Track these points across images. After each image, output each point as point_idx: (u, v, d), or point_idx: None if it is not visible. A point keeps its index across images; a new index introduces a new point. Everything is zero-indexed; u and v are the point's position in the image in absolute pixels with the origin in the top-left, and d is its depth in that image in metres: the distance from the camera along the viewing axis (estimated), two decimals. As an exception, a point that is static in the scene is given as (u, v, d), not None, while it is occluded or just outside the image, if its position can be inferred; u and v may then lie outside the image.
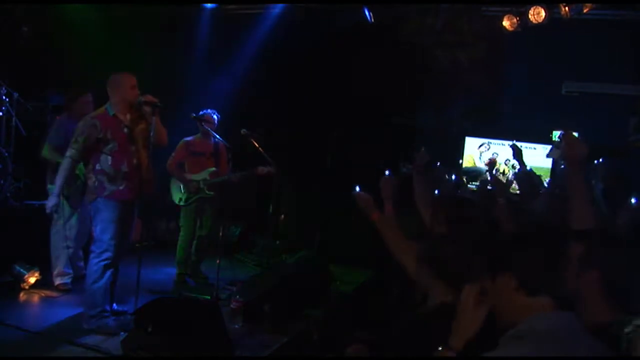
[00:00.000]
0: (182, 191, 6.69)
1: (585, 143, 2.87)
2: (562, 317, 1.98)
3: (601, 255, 2.29)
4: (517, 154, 5.62)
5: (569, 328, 1.95)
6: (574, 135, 2.90)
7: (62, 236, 5.90)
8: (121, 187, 4.99)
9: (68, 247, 5.87)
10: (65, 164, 4.96)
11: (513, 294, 2.02)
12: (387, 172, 3.72)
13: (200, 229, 6.83)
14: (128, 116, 5.09)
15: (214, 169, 6.73)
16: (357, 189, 3.54)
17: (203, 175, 6.68)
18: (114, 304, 5.16)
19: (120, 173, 4.98)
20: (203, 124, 6.57)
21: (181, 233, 6.82)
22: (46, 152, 5.92)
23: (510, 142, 6.25)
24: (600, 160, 6.28)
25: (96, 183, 4.97)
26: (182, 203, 6.71)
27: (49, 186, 5.90)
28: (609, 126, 8.22)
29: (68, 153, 4.95)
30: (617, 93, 8.36)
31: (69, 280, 5.99)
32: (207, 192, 6.68)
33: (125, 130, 5.05)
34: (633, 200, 3.39)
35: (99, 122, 4.95)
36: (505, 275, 2.04)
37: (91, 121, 4.96)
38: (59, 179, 4.98)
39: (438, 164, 6.64)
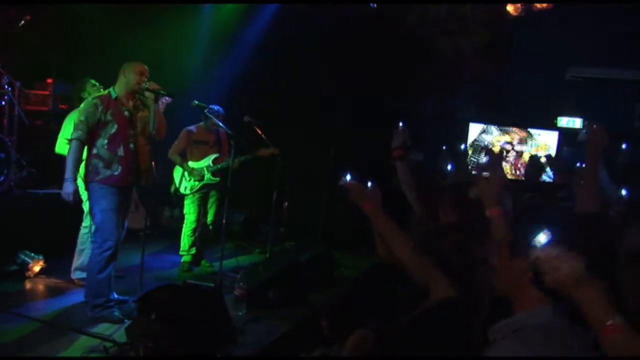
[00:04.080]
0: (188, 179, 6.70)
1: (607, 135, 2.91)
2: (560, 310, 1.93)
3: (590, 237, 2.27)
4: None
5: (564, 321, 1.90)
6: (600, 126, 2.96)
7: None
8: (116, 173, 4.92)
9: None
10: (73, 146, 4.85)
11: (527, 281, 1.94)
12: (369, 183, 3.26)
13: (204, 216, 6.86)
14: (131, 103, 5.08)
15: (216, 155, 6.74)
16: (348, 177, 3.27)
17: (206, 162, 6.69)
18: (114, 293, 5.14)
19: (116, 157, 4.92)
20: (210, 114, 6.51)
21: (186, 221, 6.83)
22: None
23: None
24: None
25: (90, 167, 4.92)
26: (187, 191, 6.72)
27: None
28: (613, 111, 8.18)
29: (74, 135, 4.85)
30: (621, 78, 8.32)
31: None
32: (212, 178, 6.70)
33: (126, 113, 5.02)
34: (623, 192, 3.34)
35: (101, 102, 4.91)
36: (522, 261, 1.96)
37: (92, 101, 4.92)
38: (70, 163, 4.83)
39: (444, 147, 6.63)
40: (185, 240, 6.79)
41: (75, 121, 4.94)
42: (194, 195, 6.75)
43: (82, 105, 5.04)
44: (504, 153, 9.04)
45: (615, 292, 2.20)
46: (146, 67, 5.12)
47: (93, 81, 5.84)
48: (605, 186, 3.96)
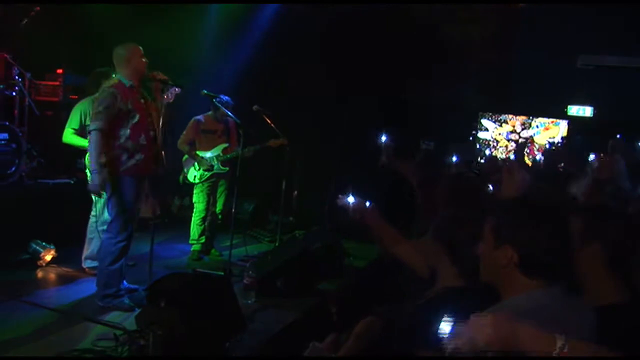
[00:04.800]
0: (197, 169, 6.72)
1: None
2: (548, 294, 1.93)
3: (601, 228, 2.26)
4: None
5: (552, 306, 1.90)
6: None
7: (100, 220, 5.65)
8: (139, 162, 4.88)
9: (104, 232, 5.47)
10: (95, 137, 4.72)
11: (512, 269, 1.96)
12: (367, 203, 3.33)
13: (213, 205, 6.89)
14: (141, 89, 5.06)
15: (226, 144, 6.76)
16: (350, 198, 3.31)
17: (216, 151, 6.71)
18: (124, 282, 5.17)
19: (139, 146, 4.87)
20: (218, 104, 6.51)
21: (195, 210, 6.86)
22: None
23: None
24: (618, 136, 6.23)
25: (113, 159, 4.82)
26: (196, 180, 6.75)
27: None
28: (625, 101, 8.12)
29: (94, 126, 4.73)
30: (633, 66, 8.25)
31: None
32: (221, 167, 6.72)
33: (142, 101, 4.99)
34: None
35: (119, 92, 4.81)
36: (507, 249, 1.97)
37: (110, 90, 4.80)
38: (94, 155, 4.72)
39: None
40: (194, 229, 6.82)
41: (93, 111, 4.88)
42: (203, 185, 6.77)
43: (98, 94, 4.95)
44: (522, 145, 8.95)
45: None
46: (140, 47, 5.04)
47: None
48: (622, 181, 3.95)
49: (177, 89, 5.33)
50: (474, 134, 9.34)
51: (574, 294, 2.12)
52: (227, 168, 6.75)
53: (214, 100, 6.40)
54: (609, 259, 2.23)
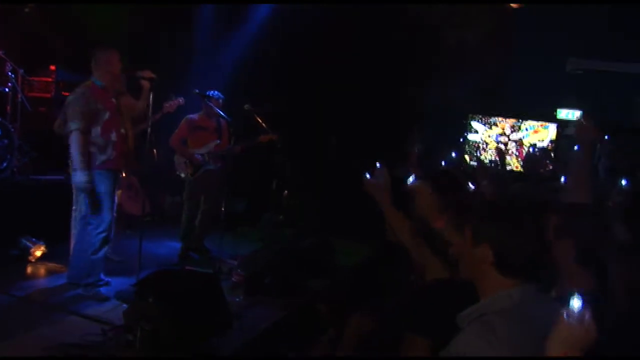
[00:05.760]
0: (188, 165, 6.76)
1: (595, 130, 2.96)
2: (524, 292, 1.98)
3: (576, 225, 2.33)
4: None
5: (530, 303, 1.95)
6: (587, 120, 3.02)
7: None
8: (111, 157, 5.14)
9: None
10: (75, 137, 4.95)
11: (489, 267, 2.01)
12: (377, 165, 3.34)
13: (204, 203, 6.92)
14: (114, 89, 5.30)
15: (217, 141, 6.81)
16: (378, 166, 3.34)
17: (207, 148, 6.76)
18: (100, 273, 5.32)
19: (110, 142, 5.13)
20: (210, 103, 6.59)
21: (185, 207, 6.90)
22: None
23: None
24: (606, 137, 6.30)
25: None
26: (189, 178, 6.80)
27: None
28: (613, 104, 8.20)
29: (74, 126, 4.95)
30: (622, 71, 8.33)
31: None
32: (212, 164, 6.77)
33: (114, 100, 5.23)
34: (624, 182, 3.37)
35: (90, 92, 5.08)
36: (485, 247, 2.01)
37: (80, 90, 5.09)
38: (76, 154, 4.95)
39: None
40: (185, 226, 6.86)
41: (69, 112, 5.04)
42: (194, 182, 6.82)
43: (70, 97, 5.16)
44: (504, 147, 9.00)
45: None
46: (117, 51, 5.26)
47: None
48: (603, 175, 4.01)
49: (180, 100, 5.51)
50: (464, 136, 9.39)
51: (548, 291, 2.19)
52: (219, 165, 6.80)
53: (206, 98, 6.45)
54: (581, 254, 2.30)
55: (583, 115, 3.15)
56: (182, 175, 6.82)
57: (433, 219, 2.90)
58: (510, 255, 1.98)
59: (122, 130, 5.26)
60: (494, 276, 2.00)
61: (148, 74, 5.26)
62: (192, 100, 6.70)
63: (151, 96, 5.36)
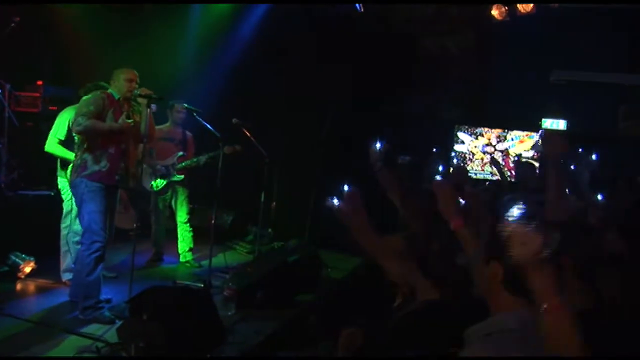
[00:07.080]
0: (153, 177, 6.84)
1: (564, 141, 2.91)
2: (531, 314, 1.91)
3: (573, 244, 2.36)
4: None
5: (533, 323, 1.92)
6: (553, 132, 3.00)
7: (71, 231, 5.77)
8: (104, 169, 5.03)
9: (77, 243, 5.52)
10: (90, 124, 4.96)
11: (499, 285, 1.98)
12: (346, 188, 3.20)
13: (180, 215, 7.06)
14: (126, 107, 5.27)
15: (181, 153, 6.93)
16: (346, 188, 3.22)
17: (171, 160, 6.88)
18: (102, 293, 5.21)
19: (106, 154, 5.05)
20: (174, 113, 6.88)
21: (153, 219, 7.06)
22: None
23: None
24: (580, 150, 6.37)
25: (79, 161, 5.05)
26: (155, 189, 6.89)
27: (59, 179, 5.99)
28: (596, 114, 8.33)
29: (83, 120, 4.94)
30: (604, 81, 8.46)
31: None
32: (177, 176, 6.90)
33: (124, 115, 5.16)
34: (599, 197, 3.39)
35: (106, 97, 5.13)
36: (496, 265, 1.98)
37: (100, 94, 5.13)
38: (104, 127, 5.04)
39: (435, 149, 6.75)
40: (158, 235, 7.11)
41: (82, 110, 5.02)
42: (161, 193, 6.94)
43: (88, 96, 5.16)
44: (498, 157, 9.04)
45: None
46: (135, 73, 5.27)
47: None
48: (584, 191, 4.06)
49: (154, 107, 5.50)
50: (451, 146, 9.47)
51: None
52: (183, 176, 6.91)
53: (195, 114, 6.45)
54: (578, 270, 2.33)
55: (545, 131, 3.07)
56: (149, 187, 6.89)
57: (451, 219, 2.82)
58: (517, 274, 1.90)
59: (122, 146, 5.17)
60: (504, 295, 1.98)
61: (145, 91, 5.19)
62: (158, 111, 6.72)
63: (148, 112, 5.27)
